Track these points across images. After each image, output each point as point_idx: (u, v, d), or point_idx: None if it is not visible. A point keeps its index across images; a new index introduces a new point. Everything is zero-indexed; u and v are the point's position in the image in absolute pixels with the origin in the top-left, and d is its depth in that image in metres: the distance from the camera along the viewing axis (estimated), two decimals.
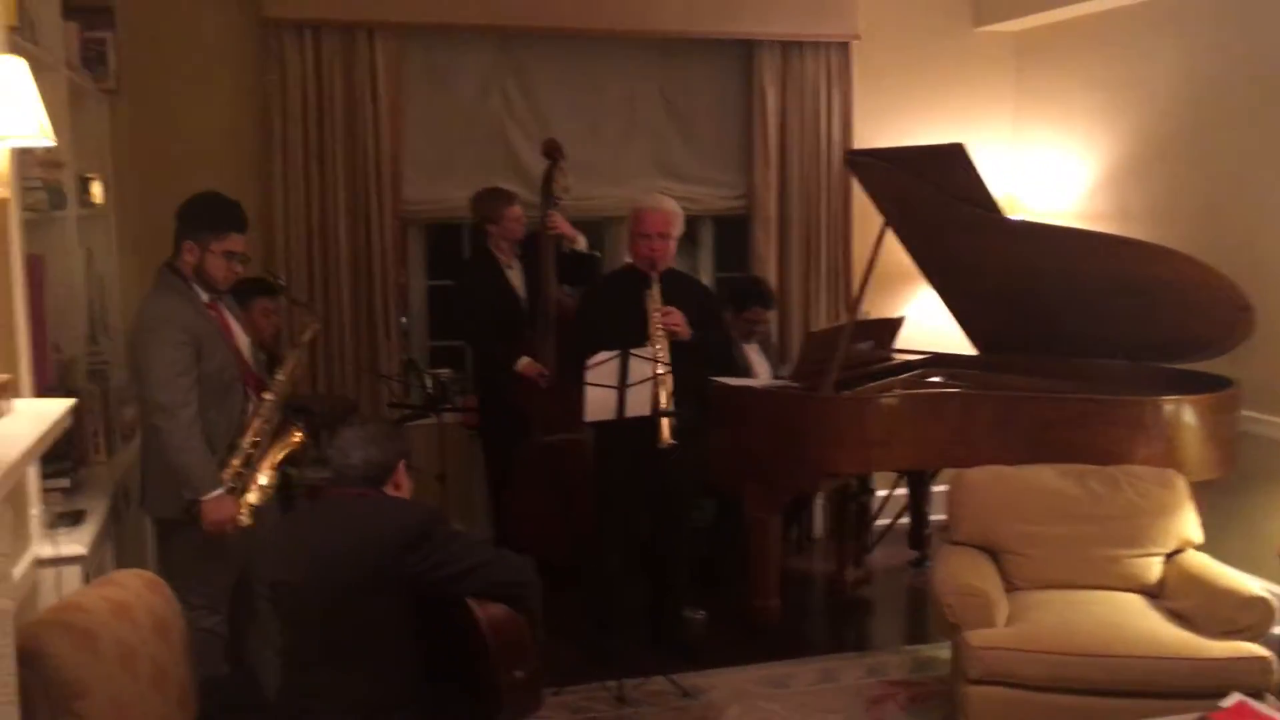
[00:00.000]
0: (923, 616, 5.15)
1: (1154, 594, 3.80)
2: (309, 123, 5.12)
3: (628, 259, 4.53)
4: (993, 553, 3.91)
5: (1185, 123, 5.03)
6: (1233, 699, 2.84)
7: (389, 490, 2.96)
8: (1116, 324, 4.64)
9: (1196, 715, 2.85)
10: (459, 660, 2.88)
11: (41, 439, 2.10)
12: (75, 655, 2.47)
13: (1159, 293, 4.35)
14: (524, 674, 2.81)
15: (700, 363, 4.32)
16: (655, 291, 4.14)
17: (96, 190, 4.12)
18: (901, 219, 4.74)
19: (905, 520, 5.61)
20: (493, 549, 2.90)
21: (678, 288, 4.26)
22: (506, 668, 2.77)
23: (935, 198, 4.43)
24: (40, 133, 2.29)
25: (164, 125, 5.00)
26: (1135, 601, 3.72)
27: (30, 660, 2.41)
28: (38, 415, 2.26)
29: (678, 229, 4.29)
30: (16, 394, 2.37)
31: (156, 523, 3.83)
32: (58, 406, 2.37)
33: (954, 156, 4.24)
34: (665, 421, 3.98)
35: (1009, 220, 4.59)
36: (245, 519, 3.56)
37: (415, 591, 2.79)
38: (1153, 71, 5.19)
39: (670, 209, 4.27)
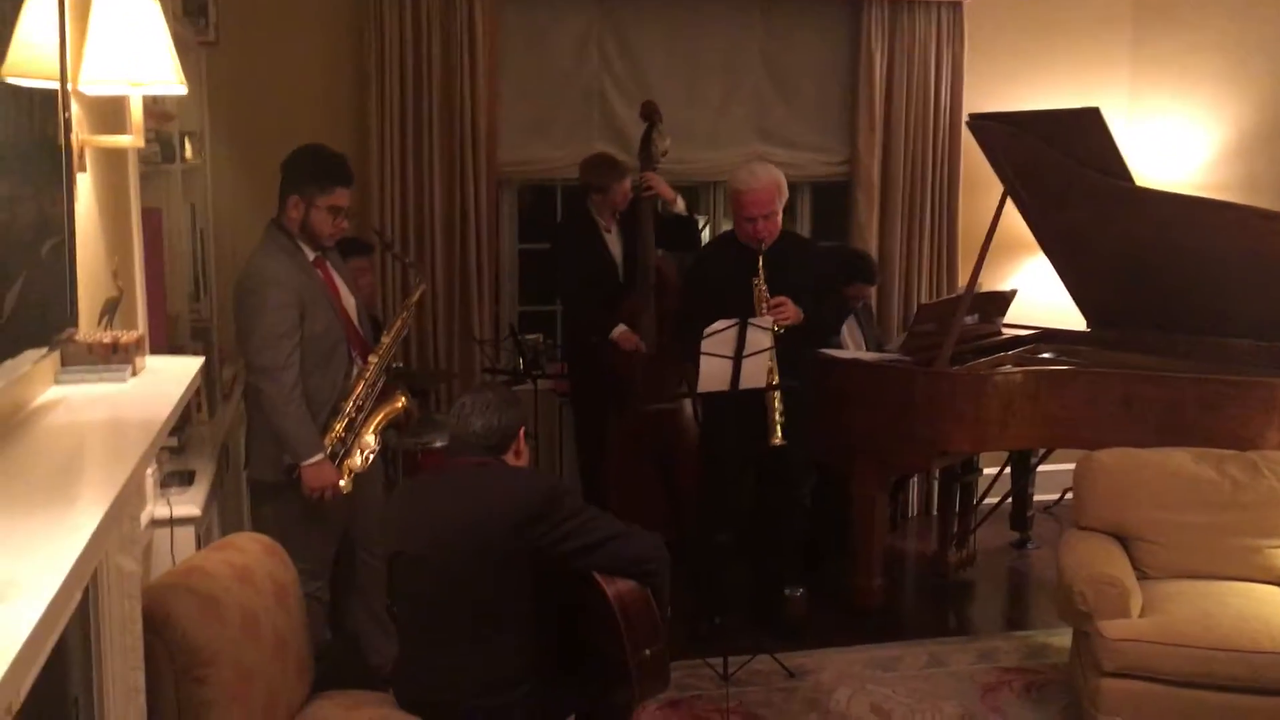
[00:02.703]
0: (1026, 601, 5.00)
1: None
2: (406, 82, 4.99)
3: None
4: (1122, 539, 3.73)
5: None
6: None
7: (509, 459, 2.85)
8: (1246, 301, 4.41)
9: None
10: (585, 638, 2.77)
11: (183, 397, 2.00)
12: (201, 621, 2.41)
13: None
14: (652, 653, 2.70)
15: (809, 336, 4.15)
16: (761, 280, 3.97)
17: (190, 148, 4.03)
18: (1023, 187, 4.53)
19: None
20: (622, 524, 2.77)
21: (790, 258, 4.08)
22: (636, 647, 2.66)
23: (1064, 165, 4.22)
24: (176, 79, 2.19)
25: (261, 80, 4.90)
26: (1276, 594, 3.53)
27: (156, 626, 2.34)
28: (172, 374, 2.17)
29: (781, 201, 4.09)
30: (144, 352, 2.27)
31: (252, 486, 3.77)
32: (190, 365, 2.28)
33: (1088, 121, 4.03)
34: (774, 418, 3.85)
35: (1144, 190, 4.36)
36: (346, 485, 3.48)
37: (539, 565, 2.68)
38: None
39: (770, 183, 4.05)
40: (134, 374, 2.11)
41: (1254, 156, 5.12)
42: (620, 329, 4.79)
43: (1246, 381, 4.11)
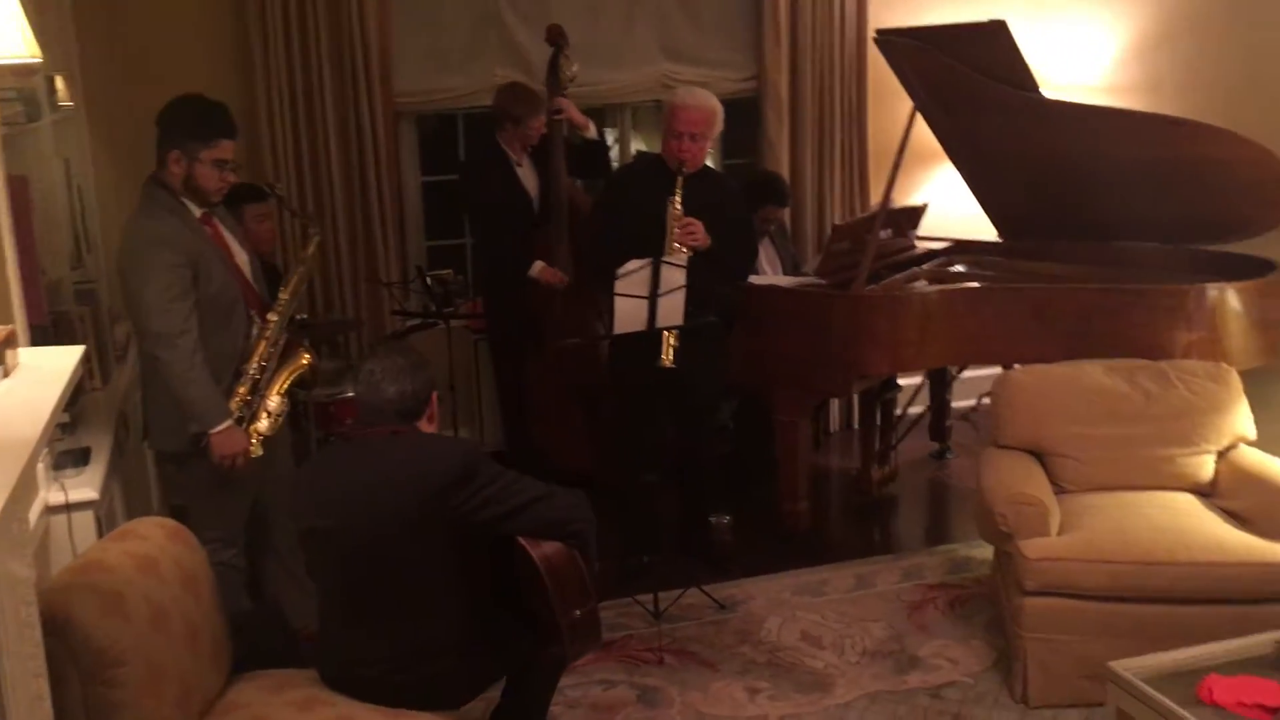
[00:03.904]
0: (948, 514, 5.07)
1: (1205, 493, 3.67)
2: (290, 14, 4.73)
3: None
4: (1039, 455, 3.76)
5: None
6: None
7: (423, 425, 2.75)
8: (1154, 206, 4.45)
9: None
10: (515, 600, 2.72)
11: (61, 398, 1.86)
12: (104, 620, 2.30)
13: (1206, 174, 4.15)
14: (582, 613, 2.66)
15: (721, 273, 4.07)
16: (677, 199, 3.87)
17: (62, 88, 3.75)
18: (932, 102, 4.47)
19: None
20: (543, 485, 2.70)
21: (705, 191, 3.98)
22: (566, 608, 2.61)
23: (972, 79, 4.17)
24: (26, 49, 2.00)
25: (135, 13, 4.60)
26: (1189, 502, 3.59)
27: (57, 629, 2.23)
28: (49, 371, 2.02)
29: (714, 129, 3.99)
30: (15, 345, 2.12)
31: (159, 456, 3.61)
32: (68, 356, 2.13)
33: (995, 35, 3.97)
34: (667, 341, 3.78)
35: (1052, 102, 4.32)
36: (256, 449, 3.35)
37: (460, 533, 2.60)
38: None
39: (708, 106, 3.96)
40: (5, 375, 1.96)
41: (1157, 56, 5.12)
42: (539, 265, 4.67)
43: (1155, 289, 4.15)
